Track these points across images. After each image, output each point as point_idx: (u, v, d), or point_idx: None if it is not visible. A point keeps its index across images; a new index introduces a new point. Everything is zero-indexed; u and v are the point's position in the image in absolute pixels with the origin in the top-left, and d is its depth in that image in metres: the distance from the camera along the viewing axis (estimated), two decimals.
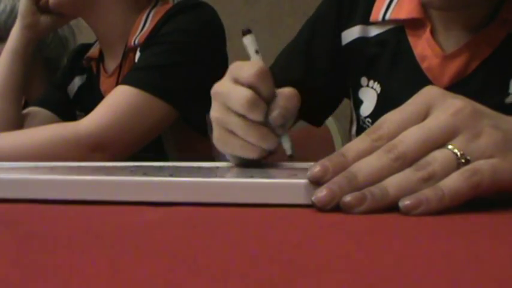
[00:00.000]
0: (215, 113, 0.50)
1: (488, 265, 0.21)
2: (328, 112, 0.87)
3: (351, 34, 0.77)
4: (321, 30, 0.80)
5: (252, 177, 0.38)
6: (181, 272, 0.20)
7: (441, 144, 0.35)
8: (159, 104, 0.93)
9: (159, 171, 0.46)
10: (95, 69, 1.14)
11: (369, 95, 0.76)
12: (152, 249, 0.24)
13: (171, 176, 0.38)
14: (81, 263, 0.21)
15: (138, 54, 1.01)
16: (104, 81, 1.11)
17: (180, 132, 1.04)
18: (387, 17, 0.73)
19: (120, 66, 1.05)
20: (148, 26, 1.02)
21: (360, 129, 0.78)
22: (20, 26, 1.07)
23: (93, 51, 1.15)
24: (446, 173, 0.33)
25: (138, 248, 0.24)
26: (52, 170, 0.52)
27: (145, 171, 0.45)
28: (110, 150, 0.91)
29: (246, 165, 0.53)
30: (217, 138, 0.51)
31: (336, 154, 0.36)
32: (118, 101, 0.92)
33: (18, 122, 1.09)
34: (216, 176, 0.39)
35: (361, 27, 0.76)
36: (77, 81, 1.19)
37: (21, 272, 0.20)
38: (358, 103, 0.77)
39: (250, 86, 0.47)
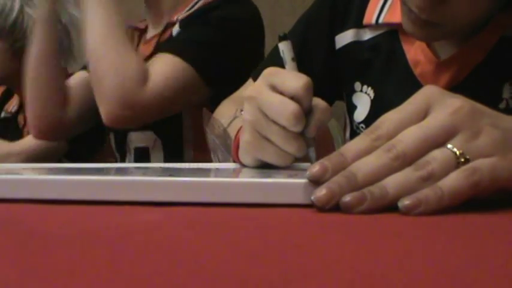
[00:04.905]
0: (250, 116, 0.49)
1: (488, 265, 0.21)
2: None
3: (344, 38, 0.76)
4: (313, 33, 0.79)
5: (252, 177, 0.38)
6: (182, 272, 0.20)
7: (440, 143, 0.35)
8: (197, 80, 1.00)
9: (159, 171, 0.46)
10: (136, 38, 1.22)
11: (363, 100, 0.75)
12: (152, 249, 0.24)
13: (171, 176, 0.38)
14: (81, 263, 0.21)
15: (176, 28, 1.07)
16: (142, 47, 1.18)
17: (198, 113, 1.07)
18: (380, 20, 0.72)
19: (160, 36, 1.12)
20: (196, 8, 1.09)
21: (354, 135, 0.77)
22: None
23: (141, 24, 1.23)
24: (446, 172, 0.33)
25: (138, 248, 0.24)
26: (52, 170, 0.52)
27: (145, 172, 0.45)
28: (146, 110, 0.97)
29: (260, 167, 0.53)
30: (249, 141, 0.50)
31: (335, 154, 0.36)
32: (173, 75, 0.98)
33: (64, 86, 1.17)
34: (216, 176, 0.39)
35: (354, 30, 0.75)
36: None
37: (21, 272, 0.20)
38: (351, 108, 0.77)
39: (293, 98, 0.46)
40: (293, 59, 0.51)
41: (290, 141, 0.47)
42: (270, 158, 0.49)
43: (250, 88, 0.51)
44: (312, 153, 0.49)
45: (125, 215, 0.33)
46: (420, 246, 0.25)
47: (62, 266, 0.20)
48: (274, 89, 0.48)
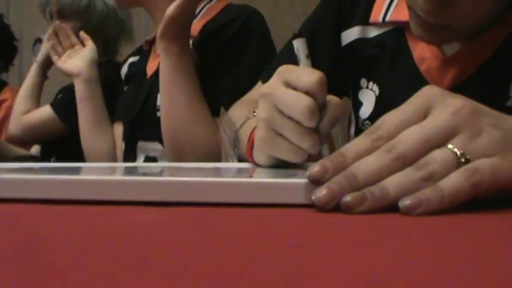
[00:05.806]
0: (264, 113, 0.49)
1: (488, 265, 0.21)
2: None
3: (350, 35, 0.76)
4: (320, 30, 0.80)
5: (252, 177, 0.38)
6: (181, 272, 0.20)
7: (441, 143, 0.35)
8: None
9: (159, 171, 0.46)
10: (148, 49, 1.28)
11: (368, 97, 0.75)
12: (152, 249, 0.24)
13: (171, 176, 0.38)
14: (81, 263, 0.21)
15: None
16: (151, 61, 1.23)
17: None
18: (387, 18, 0.72)
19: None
20: (202, 17, 1.11)
21: (359, 131, 0.77)
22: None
23: (151, 35, 1.27)
24: (446, 173, 0.33)
25: (138, 248, 0.24)
26: (52, 170, 0.52)
27: (145, 171, 0.45)
28: None
29: (276, 166, 0.53)
30: (264, 138, 0.50)
31: (336, 154, 0.36)
32: None
33: (113, 142, 1.34)
34: (216, 176, 0.39)
35: (360, 28, 0.75)
36: (130, 60, 1.35)
37: (21, 272, 0.20)
38: (357, 105, 0.77)
39: (308, 93, 0.47)
40: (307, 56, 0.51)
41: (304, 137, 0.47)
42: (284, 154, 0.49)
43: (265, 85, 0.51)
44: (326, 150, 0.48)
45: (125, 215, 0.33)
46: (421, 246, 0.25)
47: (62, 266, 0.20)
48: (289, 85, 0.48)
